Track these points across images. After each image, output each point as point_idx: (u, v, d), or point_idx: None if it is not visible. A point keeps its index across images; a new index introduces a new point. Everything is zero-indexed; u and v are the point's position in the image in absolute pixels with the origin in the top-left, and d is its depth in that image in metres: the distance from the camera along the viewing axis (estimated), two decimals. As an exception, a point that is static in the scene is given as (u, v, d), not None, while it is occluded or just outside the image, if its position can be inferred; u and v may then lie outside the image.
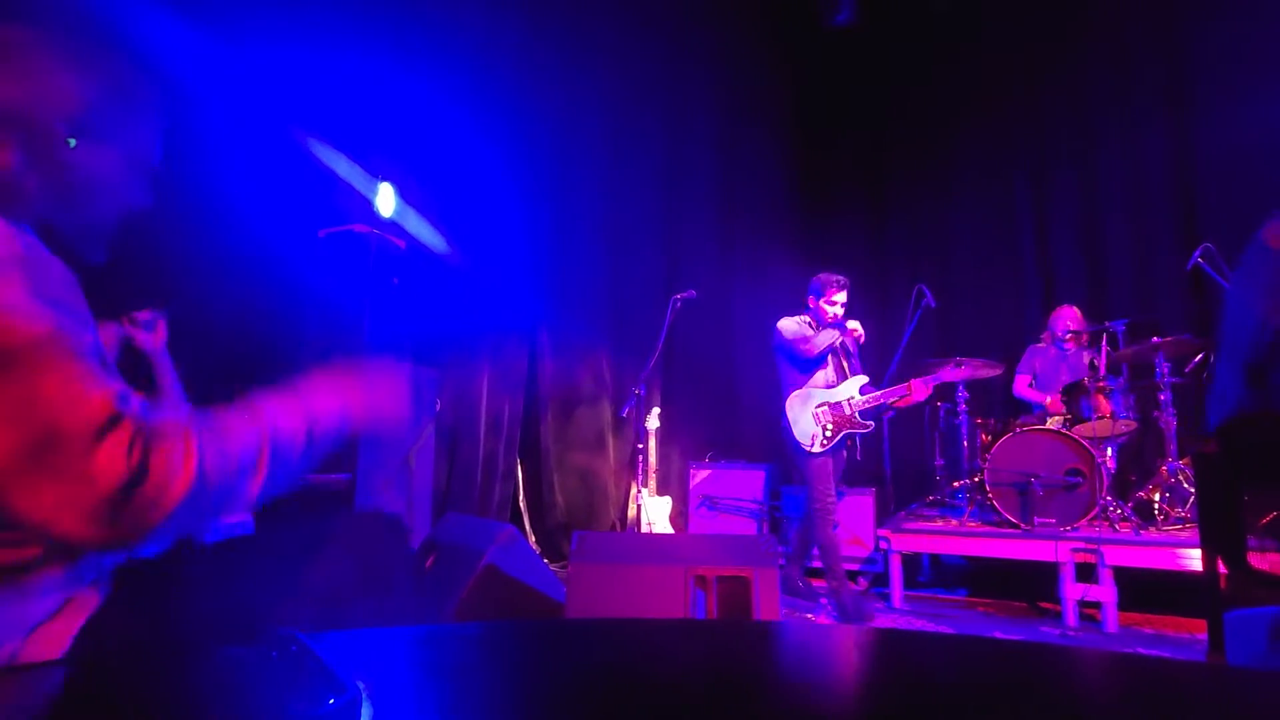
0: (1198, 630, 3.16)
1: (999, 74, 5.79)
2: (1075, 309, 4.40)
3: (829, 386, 3.51)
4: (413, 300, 3.41)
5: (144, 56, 0.83)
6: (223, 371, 2.92)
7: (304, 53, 3.14)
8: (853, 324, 3.53)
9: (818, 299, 3.55)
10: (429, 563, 2.44)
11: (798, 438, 3.44)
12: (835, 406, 3.43)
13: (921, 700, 0.49)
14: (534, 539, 4.61)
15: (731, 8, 6.06)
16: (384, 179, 3.31)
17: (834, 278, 3.55)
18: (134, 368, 1.40)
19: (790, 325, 3.57)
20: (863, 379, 3.52)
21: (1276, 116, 4.46)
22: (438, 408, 3.43)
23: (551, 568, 4.05)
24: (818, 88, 6.75)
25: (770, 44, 6.45)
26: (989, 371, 3.94)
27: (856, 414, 3.43)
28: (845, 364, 3.60)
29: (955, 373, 3.74)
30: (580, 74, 5.01)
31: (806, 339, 3.48)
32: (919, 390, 3.48)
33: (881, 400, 3.45)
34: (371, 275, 3.08)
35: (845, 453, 3.58)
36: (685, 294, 4.11)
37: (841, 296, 3.52)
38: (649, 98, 5.50)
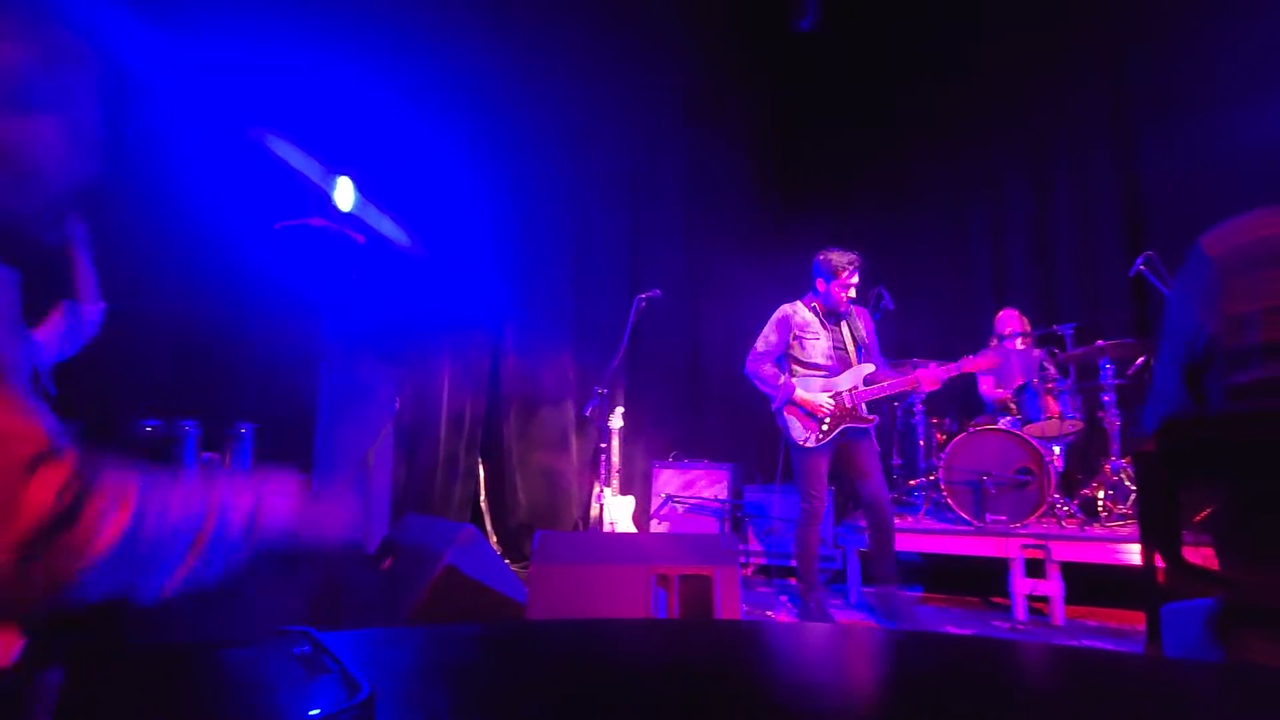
0: (1139, 622, 3.29)
1: (958, 89, 5.96)
2: (1014, 310, 4.55)
3: (831, 374, 3.24)
4: (372, 296, 3.35)
5: (78, 24, 0.80)
6: (177, 365, 2.83)
7: (264, 49, 3.08)
8: (824, 400, 3.18)
9: (829, 282, 3.22)
10: (386, 564, 2.39)
11: (791, 431, 3.22)
12: (834, 397, 3.18)
13: (877, 695, 0.50)
14: (495, 539, 4.56)
15: (698, 10, 6.09)
16: (343, 174, 3.24)
17: (845, 258, 3.20)
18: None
19: (771, 337, 3.33)
20: (869, 368, 3.25)
21: (1215, 134, 4.68)
22: (397, 406, 3.36)
23: (513, 568, 4.02)
24: (783, 92, 6.83)
25: (737, 47, 6.51)
26: (990, 362, 3.76)
27: (860, 406, 3.17)
28: (852, 350, 3.30)
29: (973, 363, 3.33)
30: (545, 72, 4.98)
31: (766, 367, 3.30)
32: (928, 382, 3.19)
33: (887, 392, 3.19)
34: (329, 270, 3.01)
35: (863, 445, 3.21)
36: (650, 293, 4.12)
37: (856, 277, 3.21)
38: (615, 97, 5.50)
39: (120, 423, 2.50)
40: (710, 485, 4.80)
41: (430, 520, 2.86)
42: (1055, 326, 4.35)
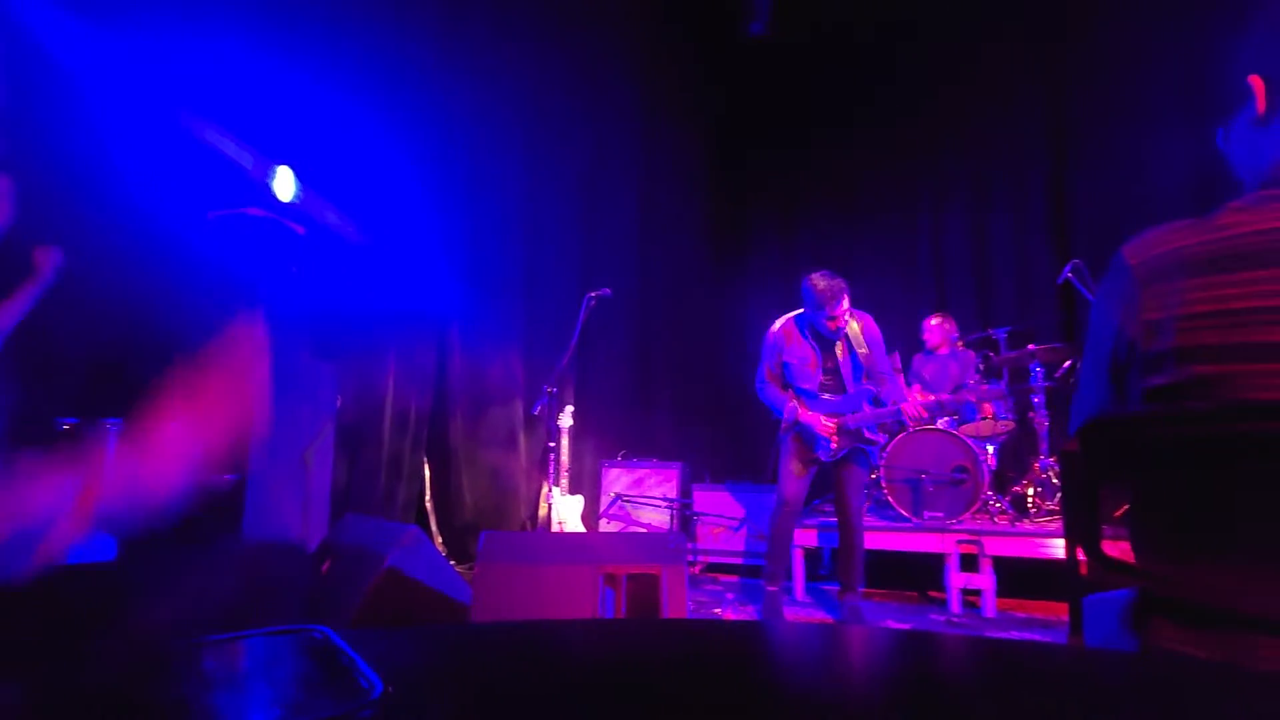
0: (1065, 613, 3.46)
1: (905, 103, 6.16)
2: (939, 318, 4.73)
3: (824, 398, 3.17)
4: (313, 290, 3.24)
5: None
6: (102, 360, 2.67)
7: (206, 39, 2.97)
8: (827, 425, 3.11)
9: (815, 313, 3.08)
10: (325, 567, 2.32)
11: (799, 448, 3.17)
12: (836, 420, 3.12)
13: (814, 690, 0.51)
14: (441, 540, 4.47)
15: (652, 13, 6.11)
16: (283, 164, 3.12)
17: (830, 288, 3.00)
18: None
19: (768, 362, 3.27)
20: (867, 392, 3.15)
21: (1139, 152, 4.97)
22: (338, 404, 3.26)
23: (459, 569, 3.95)
24: (736, 97, 6.93)
25: (690, 50, 6.56)
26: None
27: (863, 429, 3.10)
28: (848, 372, 3.17)
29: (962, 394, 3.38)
30: (498, 67, 4.91)
31: (771, 387, 3.26)
32: (911, 409, 3.02)
33: (880, 420, 3.11)
34: (266, 261, 2.89)
35: (856, 469, 3.16)
36: (600, 292, 4.10)
37: (843, 305, 3.03)
38: (568, 95, 5.46)
39: (37, 419, 2.35)
40: (659, 484, 4.82)
41: (372, 521, 2.78)
42: (990, 331, 4.54)
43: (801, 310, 3.20)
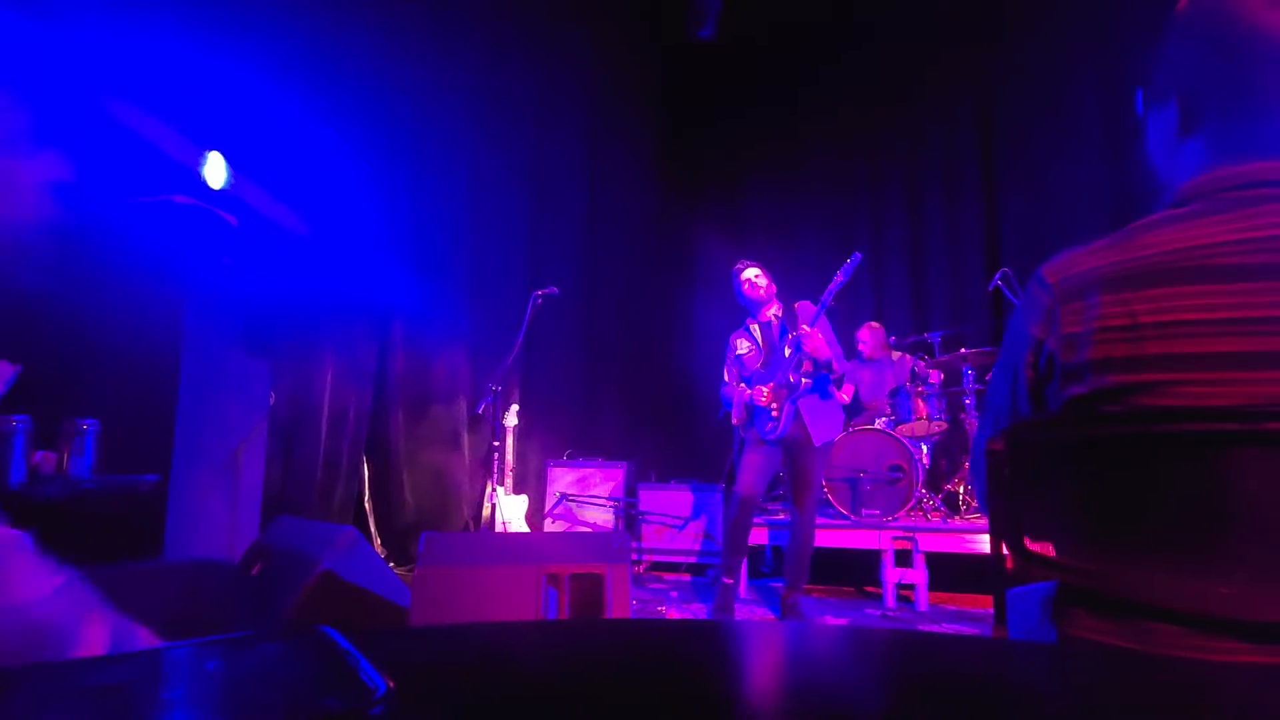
0: (991, 606, 3.61)
1: (844, 114, 6.34)
2: (868, 325, 4.92)
3: (764, 367, 3.37)
4: (247, 281, 3.09)
5: None
6: (11, 354, 2.49)
7: (128, 19, 2.80)
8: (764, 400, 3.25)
9: (738, 290, 3.45)
10: (255, 570, 2.22)
11: (750, 432, 3.32)
12: (770, 387, 3.25)
13: (748, 685, 0.52)
14: (380, 542, 4.36)
15: (599, 10, 6.10)
16: (215, 149, 2.97)
17: (737, 266, 3.45)
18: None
19: (729, 365, 3.48)
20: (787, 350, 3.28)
21: (1062, 168, 5.25)
22: (271, 401, 3.13)
23: (399, 572, 3.85)
24: (684, 96, 6.97)
25: (639, 49, 6.57)
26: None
27: (789, 375, 3.21)
28: (788, 351, 3.30)
29: (847, 269, 3.25)
30: (444, 59, 4.82)
31: (728, 386, 3.46)
32: (807, 339, 3.14)
33: (793, 364, 3.22)
34: (195, 251, 2.75)
35: (810, 460, 3.24)
36: (547, 290, 4.06)
37: (752, 271, 3.40)
38: (516, 89, 5.40)
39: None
40: (604, 483, 4.82)
41: (307, 523, 2.68)
42: (926, 334, 4.71)
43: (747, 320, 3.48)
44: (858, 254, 3.27)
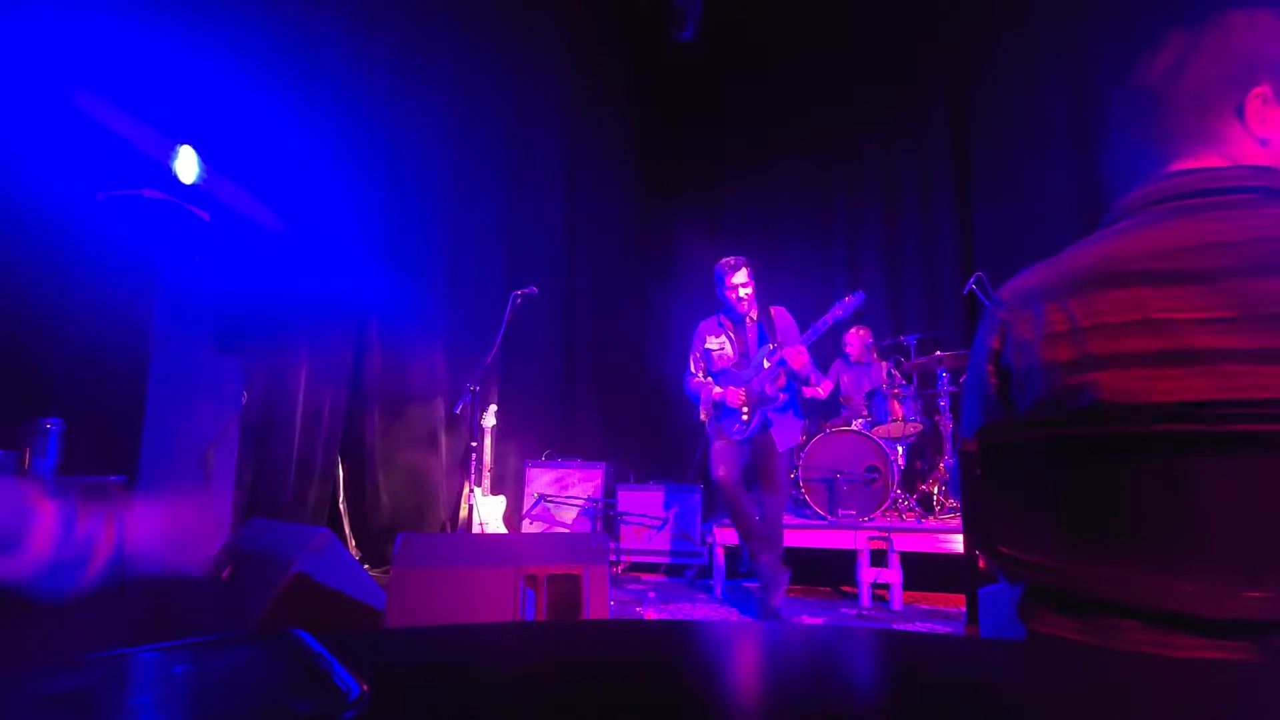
0: (964, 604, 3.68)
1: (822, 118, 6.40)
2: (854, 329, 4.97)
3: (736, 367, 3.39)
4: (219, 277, 3.04)
5: None
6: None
7: (97, 11, 2.73)
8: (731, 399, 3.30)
9: (720, 288, 3.40)
10: (226, 574, 2.18)
11: (718, 431, 3.36)
12: (744, 389, 3.29)
13: (726, 686, 0.52)
14: (355, 544, 4.31)
15: (579, 9, 6.09)
16: (186, 143, 2.92)
17: (727, 261, 3.37)
18: None
19: (693, 355, 3.51)
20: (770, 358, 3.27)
21: (1035, 174, 5.35)
22: (244, 400, 3.08)
23: (374, 574, 3.81)
24: (664, 95, 6.98)
25: (619, 50, 6.57)
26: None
27: (766, 387, 3.23)
28: (749, 349, 3.39)
29: (846, 306, 3.25)
30: (423, 55, 4.78)
31: (694, 379, 3.48)
32: (792, 357, 3.16)
33: (776, 365, 3.22)
34: (165, 246, 2.70)
35: (771, 457, 3.29)
36: (526, 290, 4.05)
37: (741, 277, 3.34)
38: (495, 86, 5.37)
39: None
40: (583, 484, 4.81)
41: (279, 525, 2.64)
42: (902, 337, 4.77)
43: (720, 312, 3.49)
44: (861, 293, 3.28)
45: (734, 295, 3.35)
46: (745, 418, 3.28)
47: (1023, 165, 5.44)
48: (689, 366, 3.54)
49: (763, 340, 3.37)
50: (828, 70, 6.35)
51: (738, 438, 3.30)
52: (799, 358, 3.16)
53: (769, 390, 3.26)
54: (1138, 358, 0.76)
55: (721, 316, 3.49)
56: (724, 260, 3.39)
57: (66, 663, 0.53)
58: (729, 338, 3.45)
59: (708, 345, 3.47)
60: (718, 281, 3.41)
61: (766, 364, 3.27)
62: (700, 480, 4.68)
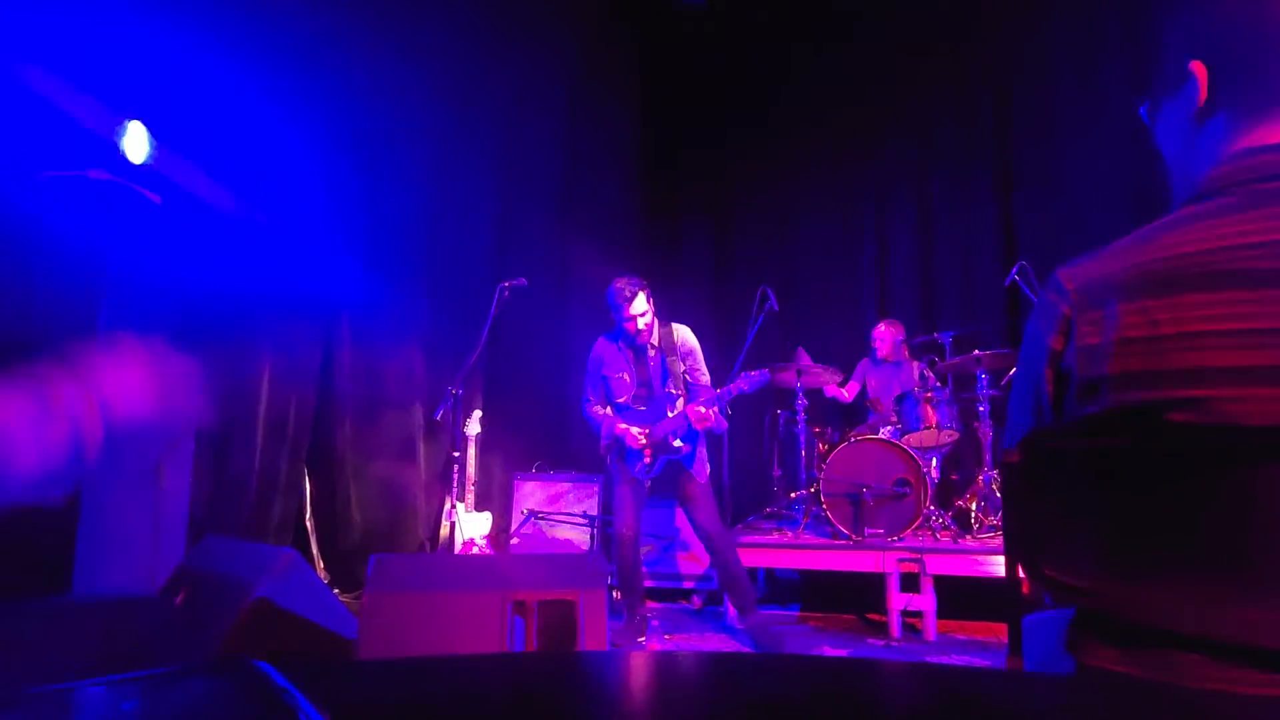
0: (1005, 634, 3.67)
1: (848, 100, 6.40)
2: (884, 323, 4.97)
3: (636, 410, 3.48)
4: (173, 267, 3.05)
5: None
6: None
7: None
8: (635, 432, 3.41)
9: (617, 316, 3.37)
10: (179, 599, 2.19)
11: (619, 466, 3.51)
12: (644, 432, 3.42)
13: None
14: (323, 565, 4.32)
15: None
16: (136, 119, 2.92)
17: (621, 288, 3.31)
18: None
19: (593, 379, 3.59)
20: (677, 403, 3.41)
21: (1082, 156, 5.35)
22: (200, 405, 3.08)
23: (344, 599, 3.82)
24: (667, 83, 6.99)
25: (620, 22, 6.58)
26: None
27: (668, 437, 3.37)
28: (659, 383, 3.47)
29: (745, 381, 3.37)
30: (406, 31, 4.78)
31: (593, 406, 3.57)
32: (695, 417, 3.30)
33: (673, 426, 3.36)
34: (113, 234, 2.71)
35: (683, 479, 3.45)
36: (515, 282, 4.03)
37: (639, 305, 3.29)
38: (486, 64, 5.38)
39: None
40: (579, 499, 4.81)
41: (239, 544, 2.65)
42: (936, 334, 4.76)
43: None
44: (765, 372, 3.39)
45: (632, 326, 3.34)
46: (648, 459, 3.41)
47: (1070, 144, 5.43)
48: (584, 391, 3.63)
49: (665, 376, 3.44)
50: (851, 45, 6.35)
51: (644, 477, 3.44)
52: (703, 420, 3.30)
53: (670, 440, 3.38)
54: (1235, 373, 0.72)
55: (621, 342, 3.50)
56: (617, 285, 3.32)
57: (5, 698, 0.53)
58: (628, 368, 3.49)
59: (605, 372, 3.53)
60: (612, 307, 3.38)
61: (671, 414, 3.39)
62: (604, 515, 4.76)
